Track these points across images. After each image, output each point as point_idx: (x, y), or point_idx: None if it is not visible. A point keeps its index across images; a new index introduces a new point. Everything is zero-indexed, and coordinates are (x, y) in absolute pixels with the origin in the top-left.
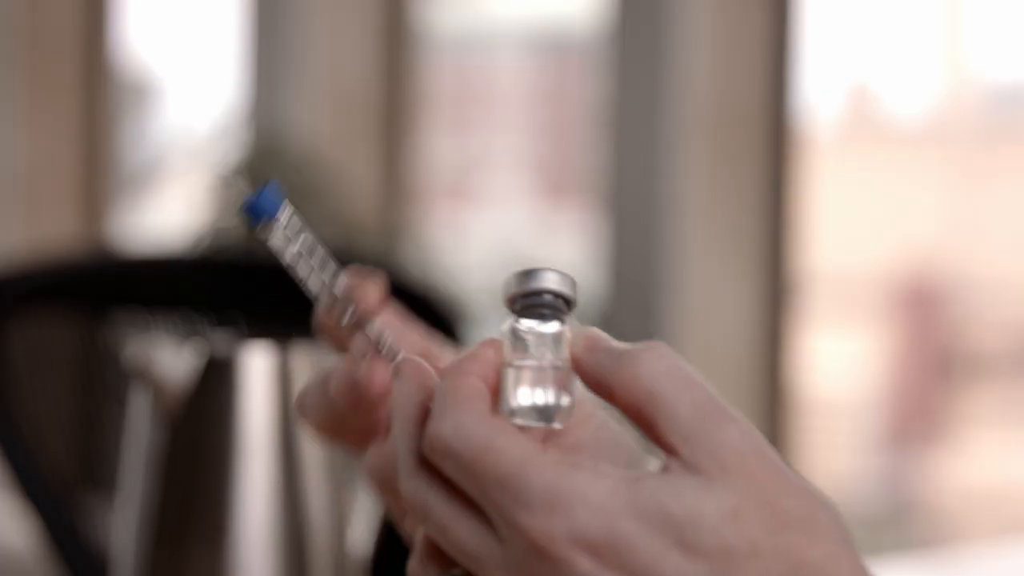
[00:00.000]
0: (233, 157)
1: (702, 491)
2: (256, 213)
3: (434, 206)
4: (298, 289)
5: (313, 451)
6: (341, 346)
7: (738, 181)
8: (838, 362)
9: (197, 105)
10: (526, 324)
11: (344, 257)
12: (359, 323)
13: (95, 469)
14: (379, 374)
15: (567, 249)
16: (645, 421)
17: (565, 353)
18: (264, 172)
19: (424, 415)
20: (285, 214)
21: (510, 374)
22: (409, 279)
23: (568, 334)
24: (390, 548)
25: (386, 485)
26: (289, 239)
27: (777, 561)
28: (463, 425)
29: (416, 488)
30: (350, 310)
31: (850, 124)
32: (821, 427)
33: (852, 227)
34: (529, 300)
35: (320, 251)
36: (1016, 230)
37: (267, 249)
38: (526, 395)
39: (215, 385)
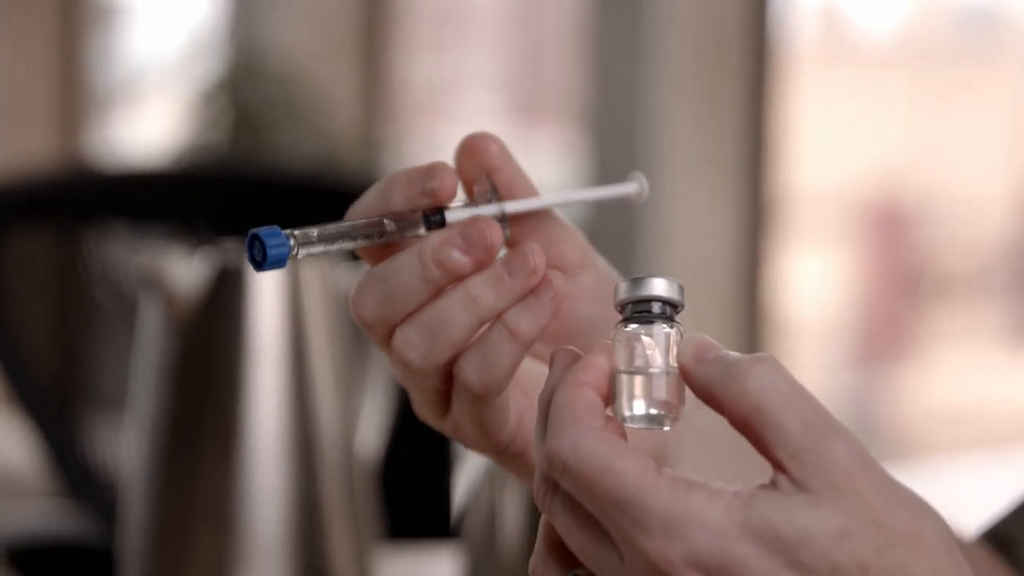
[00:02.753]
0: (212, 73)
1: (811, 511)
2: (270, 265)
3: (413, 122)
4: (278, 203)
5: (322, 358)
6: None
7: (718, 102)
8: (809, 282)
9: (176, 21)
10: (636, 329)
11: (327, 171)
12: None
13: (86, 383)
14: (451, 180)
15: (546, 169)
16: (754, 435)
17: (674, 358)
18: (244, 88)
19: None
20: (295, 250)
21: (623, 381)
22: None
23: (676, 338)
24: (399, 452)
25: (423, 362)
26: (311, 250)
27: None
28: (581, 445)
29: (542, 490)
30: (389, 221)
31: (821, 45)
32: (792, 346)
33: (823, 148)
34: (639, 307)
35: (337, 230)
36: (984, 151)
37: (246, 162)
38: (639, 405)
39: (226, 294)
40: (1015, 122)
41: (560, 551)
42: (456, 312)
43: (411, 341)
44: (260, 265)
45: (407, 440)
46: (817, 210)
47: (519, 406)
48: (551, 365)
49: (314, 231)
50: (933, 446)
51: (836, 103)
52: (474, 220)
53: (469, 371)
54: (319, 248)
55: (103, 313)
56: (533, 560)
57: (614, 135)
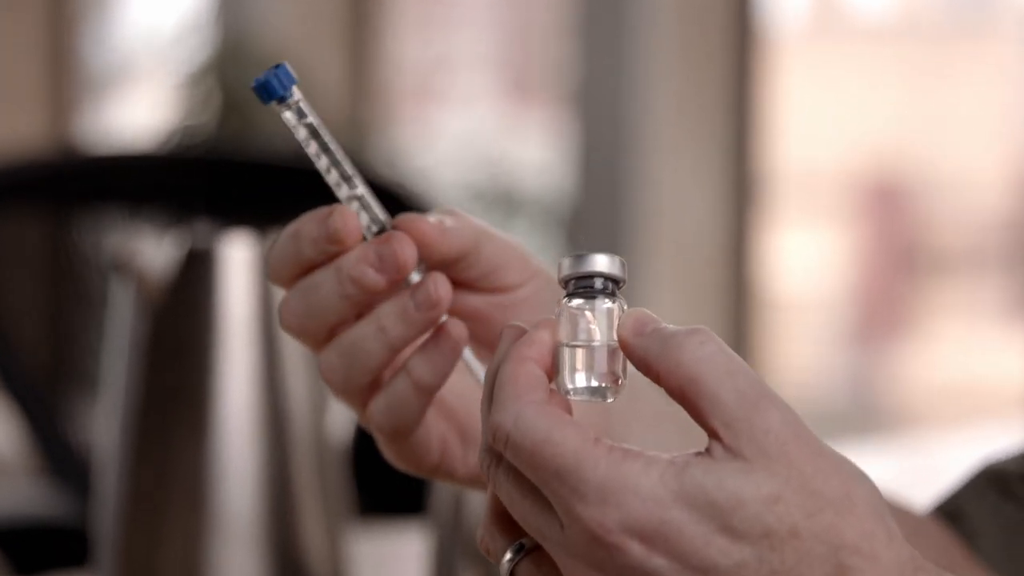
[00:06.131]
0: (199, 56)
1: (744, 477)
2: (270, 90)
3: (401, 105)
4: (264, 185)
5: (293, 340)
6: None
7: (705, 79)
8: (805, 259)
9: (163, 4)
10: (578, 304)
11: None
12: (365, 203)
13: (71, 364)
14: (351, 220)
15: (535, 148)
16: (689, 404)
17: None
18: (231, 71)
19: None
20: (295, 95)
21: (565, 354)
22: (378, 176)
23: (618, 313)
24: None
25: (343, 387)
26: (300, 117)
27: (816, 543)
28: (522, 417)
29: (487, 462)
30: (360, 187)
31: (813, 21)
32: (788, 323)
33: (817, 125)
34: (581, 282)
35: (327, 133)
36: (977, 126)
37: (234, 146)
38: (581, 377)
39: (196, 276)
40: (1009, 97)
41: (505, 521)
42: (368, 342)
43: (332, 365)
44: (262, 84)
45: None
46: (812, 187)
47: (441, 432)
48: (500, 342)
49: (312, 120)
50: (930, 421)
51: (829, 79)
52: (388, 238)
53: (378, 416)
54: (302, 128)
55: (90, 295)
56: (480, 531)
57: (601, 113)
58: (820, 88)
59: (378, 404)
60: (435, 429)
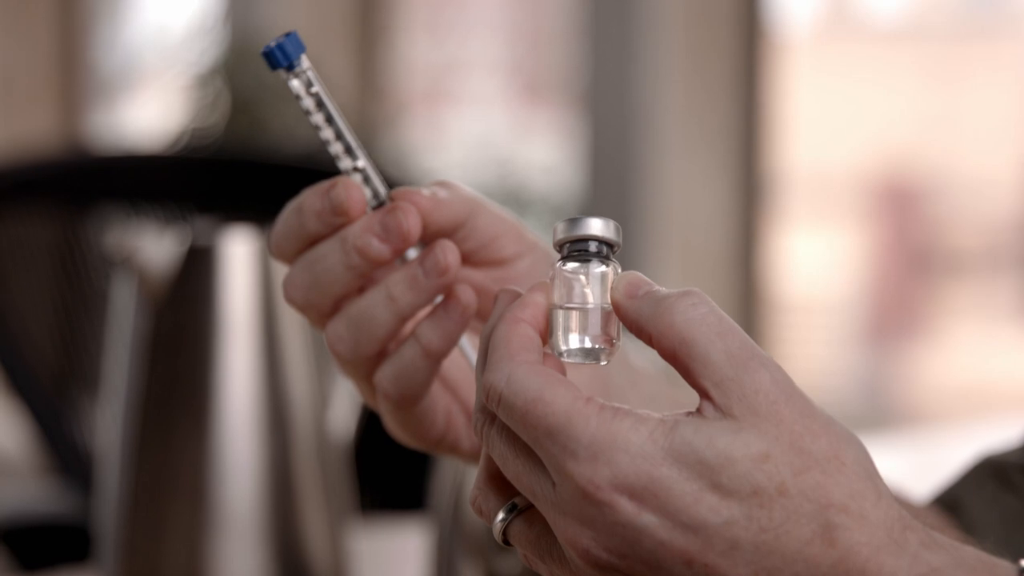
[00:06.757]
0: (208, 57)
1: (733, 436)
2: (276, 58)
3: (412, 107)
4: (274, 186)
5: (293, 333)
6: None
7: (713, 80)
8: (818, 260)
9: (173, 6)
10: (572, 267)
11: (322, 154)
12: (367, 176)
13: (79, 363)
14: (355, 191)
15: (544, 149)
16: (681, 366)
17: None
18: (240, 72)
19: None
20: (304, 63)
21: (559, 316)
22: (388, 178)
23: (612, 276)
24: (371, 433)
25: (350, 356)
26: (307, 86)
27: (804, 501)
28: (514, 377)
29: (480, 422)
30: (362, 159)
31: (826, 22)
32: (801, 325)
33: (829, 125)
34: (576, 246)
35: (333, 104)
36: (991, 127)
37: (241, 145)
38: (575, 338)
39: (197, 271)
40: (1021, 97)
41: (498, 481)
42: (378, 310)
43: (340, 335)
44: (271, 51)
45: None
46: (824, 188)
47: (446, 404)
48: (494, 305)
49: (318, 89)
50: (944, 422)
51: (840, 80)
52: (392, 208)
53: (385, 383)
54: (308, 97)
55: (98, 294)
56: (472, 491)
57: (610, 115)
58: (831, 88)
59: (385, 371)
60: (440, 400)
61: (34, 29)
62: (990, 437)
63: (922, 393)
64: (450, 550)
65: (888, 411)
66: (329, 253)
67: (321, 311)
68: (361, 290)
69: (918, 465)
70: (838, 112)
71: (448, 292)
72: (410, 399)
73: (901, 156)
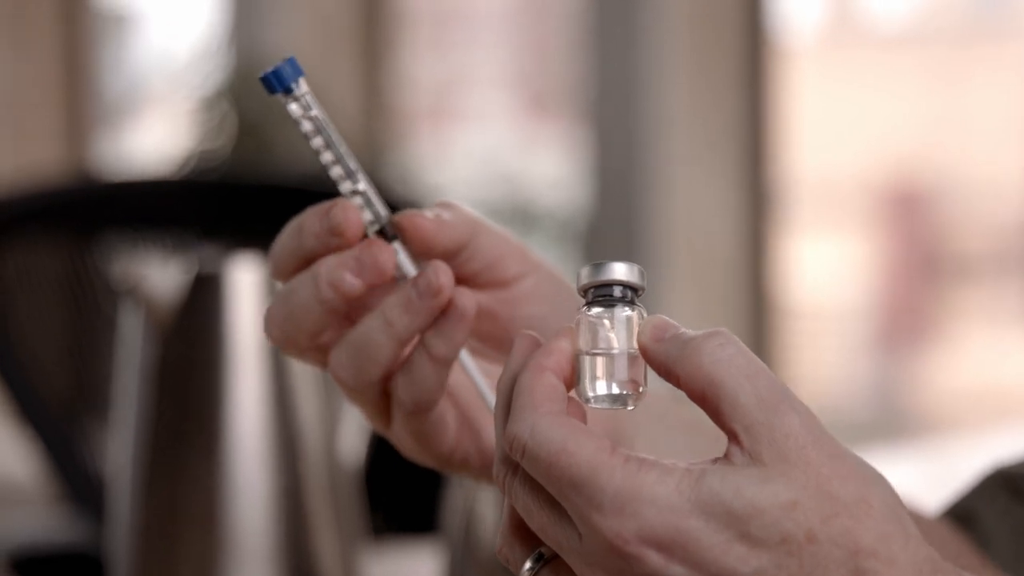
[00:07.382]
0: (214, 81)
1: (761, 485)
2: (273, 84)
3: (417, 124)
4: (282, 209)
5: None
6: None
7: (719, 88)
8: (826, 267)
9: (177, 30)
10: (597, 313)
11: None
12: (367, 199)
13: (89, 391)
14: (353, 213)
15: (551, 163)
16: (710, 408)
17: (635, 339)
18: (245, 95)
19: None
20: (302, 87)
21: (585, 362)
22: (393, 195)
23: (637, 320)
24: (382, 456)
25: (354, 383)
26: (306, 110)
27: (833, 547)
28: (538, 428)
29: (503, 473)
30: (362, 182)
31: (830, 28)
32: (810, 332)
33: (835, 131)
34: (600, 291)
35: (332, 128)
36: (998, 130)
37: (248, 169)
38: (602, 385)
39: (204, 300)
40: None
41: (523, 532)
42: (376, 335)
43: (342, 362)
44: (269, 75)
45: (390, 445)
46: (831, 194)
47: (456, 420)
48: (512, 351)
49: (317, 113)
50: (955, 427)
51: (846, 85)
52: (367, 244)
53: (400, 391)
54: (307, 121)
55: (108, 322)
56: (498, 541)
57: (616, 127)
58: (837, 95)
59: (400, 380)
60: (449, 412)
61: (39, 55)
62: (1003, 446)
63: (934, 399)
64: (462, 573)
65: (899, 417)
66: (301, 287)
67: (299, 346)
68: (347, 324)
69: (931, 476)
70: (844, 118)
71: (448, 304)
72: (424, 404)
73: (908, 160)
